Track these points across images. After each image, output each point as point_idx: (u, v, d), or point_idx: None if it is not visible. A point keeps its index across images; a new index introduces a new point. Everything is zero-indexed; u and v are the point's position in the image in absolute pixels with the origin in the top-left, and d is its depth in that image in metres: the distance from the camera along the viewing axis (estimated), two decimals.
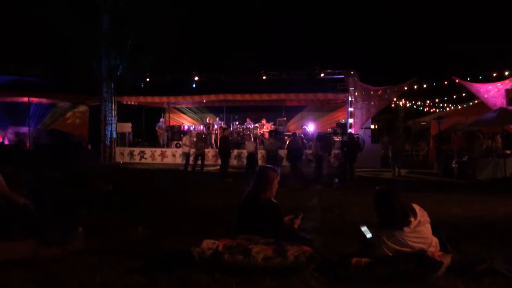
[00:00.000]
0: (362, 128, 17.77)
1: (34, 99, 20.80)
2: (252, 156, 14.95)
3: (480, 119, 14.70)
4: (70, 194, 7.41)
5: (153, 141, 21.49)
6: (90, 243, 4.70)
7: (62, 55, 21.38)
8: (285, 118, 20.96)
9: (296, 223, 4.24)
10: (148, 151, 19.81)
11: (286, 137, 19.87)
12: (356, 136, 16.76)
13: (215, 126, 20.25)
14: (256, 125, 20.56)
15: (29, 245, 4.13)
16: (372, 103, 17.70)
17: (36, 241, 4.20)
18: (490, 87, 15.47)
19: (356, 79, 17.80)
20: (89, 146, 21.70)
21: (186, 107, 24.18)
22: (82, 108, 22.71)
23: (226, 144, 14.68)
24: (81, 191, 8.44)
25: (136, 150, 19.90)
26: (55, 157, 16.90)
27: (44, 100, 21.62)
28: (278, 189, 4.35)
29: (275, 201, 4.14)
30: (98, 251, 4.53)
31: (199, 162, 14.99)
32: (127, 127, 20.55)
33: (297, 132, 18.69)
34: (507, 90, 14.65)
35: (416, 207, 3.64)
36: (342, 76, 18.10)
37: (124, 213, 7.07)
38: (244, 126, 20.50)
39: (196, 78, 19.48)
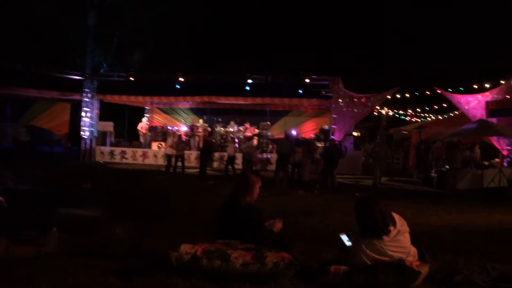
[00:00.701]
0: (345, 135, 17.88)
1: (14, 94, 20.37)
2: (231, 159, 14.93)
3: (460, 130, 14.93)
4: (48, 192, 7.26)
5: (135, 141, 21.24)
6: (65, 244, 4.59)
7: (45, 51, 21.08)
8: (268, 122, 20.96)
9: (276, 227, 4.22)
10: (129, 151, 19.56)
11: (268, 142, 19.89)
12: (338, 142, 16.87)
13: (199, 128, 20.13)
14: (240, 128, 20.51)
15: (1, 244, 4.01)
16: (356, 110, 17.84)
17: (8, 240, 4.08)
18: (470, 99, 15.74)
19: (340, 85, 17.92)
20: (69, 144, 21.34)
21: (170, 108, 24.01)
22: (63, 105, 22.34)
23: (209, 148, 14.63)
24: (60, 189, 8.29)
25: (117, 150, 19.63)
26: (34, 154, 16.60)
27: (24, 96, 21.23)
28: (262, 194, 4.33)
29: (255, 205, 4.11)
30: (74, 252, 4.43)
31: (179, 163, 14.87)
32: (109, 126, 20.28)
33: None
34: (487, 102, 14.92)
35: (396, 216, 3.65)
36: (327, 82, 18.20)
37: (102, 214, 6.96)
38: (228, 129, 20.44)
39: (181, 79, 19.35)
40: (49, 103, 22.12)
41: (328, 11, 40.34)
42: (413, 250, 3.67)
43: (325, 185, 12.38)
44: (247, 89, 19.07)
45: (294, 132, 20.49)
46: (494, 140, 15.64)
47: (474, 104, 15.60)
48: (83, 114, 19.59)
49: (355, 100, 17.83)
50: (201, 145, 19.60)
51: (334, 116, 17.91)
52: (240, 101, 20.20)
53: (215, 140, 17.75)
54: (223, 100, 20.34)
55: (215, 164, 17.78)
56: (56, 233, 4.47)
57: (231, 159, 14.96)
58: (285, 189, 11.71)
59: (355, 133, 21.31)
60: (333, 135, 17.60)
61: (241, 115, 21.84)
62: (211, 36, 30.71)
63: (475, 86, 15.98)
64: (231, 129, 20.29)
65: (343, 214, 7.86)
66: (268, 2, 36.57)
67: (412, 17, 38.53)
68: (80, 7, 19.36)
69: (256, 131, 20.33)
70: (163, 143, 18.50)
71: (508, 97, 14.12)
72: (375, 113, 24.82)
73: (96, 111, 19.82)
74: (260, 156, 17.71)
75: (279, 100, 20.10)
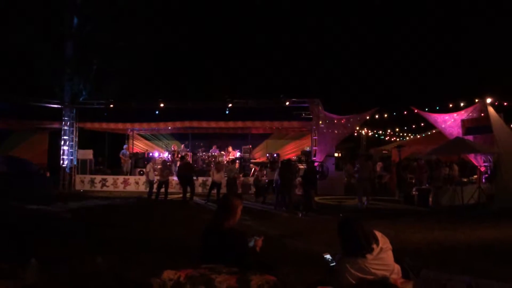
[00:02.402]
0: (326, 156, 18.01)
1: None
2: (217, 185, 14.83)
3: (438, 148, 15.21)
4: (27, 224, 7.09)
5: (116, 168, 20.97)
6: (45, 276, 4.47)
7: (22, 80, 20.88)
8: (250, 146, 21.02)
9: (258, 245, 4.19)
10: (110, 178, 19.28)
11: (251, 165, 19.92)
12: (318, 164, 16.99)
13: (180, 154, 20.02)
14: (222, 152, 20.51)
15: None
16: (336, 132, 18.04)
17: None
18: (447, 118, 16.07)
19: (320, 108, 18.16)
20: (48, 174, 20.92)
21: (151, 134, 23.91)
22: (42, 134, 22.03)
23: (187, 171, 14.57)
24: (39, 220, 8.11)
25: (98, 178, 19.33)
26: (12, 185, 16.21)
27: (2, 126, 20.88)
28: (244, 217, 4.31)
29: (238, 228, 4.09)
30: (54, 284, 4.32)
31: (162, 190, 14.72)
32: (89, 154, 20.02)
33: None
34: (462, 121, 15.25)
35: (378, 234, 3.67)
36: (307, 105, 18.42)
37: (83, 243, 6.81)
38: (210, 153, 20.41)
39: (162, 105, 19.35)
40: (27, 132, 21.82)
41: (307, 35, 41.26)
42: (397, 267, 3.68)
43: (309, 207, 12.40)
44: (227, 113, 19.15)
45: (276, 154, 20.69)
46: (471, 157, 15.97)
47: (450, 122, 15.93)
48: (62, 142, 19.31)
49: (335, 121, 18.06)
50: None
51: (315, 137, 18.08)
52: (222, 125, 20.25)
53: (196, 164, 17.62)
54: (204, 125, 20.35)
55: (199, 189, 17.65)
56: (36, 264, 4.35)
57: (218, 185, 14.82)
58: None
59: (336, 154, 21.50)
60: (315, 156, 17.72)
61: (222, 139, 21.89)
62: (191, 61, 30.98)
63: (451, 105, 16.37)
64: (214, 154, 20.27)
65: (327, 235, 7.87)
66: (246, 27, 37.26)
67: (387, 40, 39.62)
68: (57, 36, 19.31)
69: (238, 154, 20.36)
70: (144, 170, 18.32)
71: (483, 115, 14.47)
72: (355, 134, 25.13)
73: (75, 139, 19.57)
74: (241, 179, 17.69)
75: (260, 123, 20.23)
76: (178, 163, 16.02)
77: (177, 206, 13.68)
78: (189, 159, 19.69)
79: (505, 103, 15.16)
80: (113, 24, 18.92)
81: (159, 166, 15.17)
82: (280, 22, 41.91)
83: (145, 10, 19.42)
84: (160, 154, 21.42)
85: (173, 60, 27.15)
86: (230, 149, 20.70)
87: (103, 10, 18.83)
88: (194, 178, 15.19)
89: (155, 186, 14.91)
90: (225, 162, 18.96)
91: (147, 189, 15.55)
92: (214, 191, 14.93)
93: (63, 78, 19.20)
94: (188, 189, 14.56)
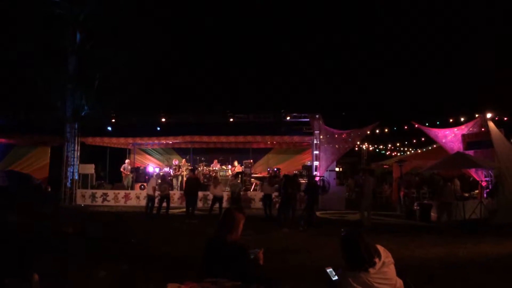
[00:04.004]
0: (327, 171, 18.01)
1: None
2: (219, 199, 14.81)
3: (439, 162, 15.21)
4: (28, 238, 7.09)
5: (117, 183, 20.97)
6: None
7: (25, 95, 21.00)
8: (251, 160, 21.04)
9: (261, 259, 4.19)
10: (111, 193, 19.27)
11: (252, 179, 19.93)
12: (321, 178, 16.99)
13: (182, 168, 20.03)
14: (224, 167, 20.54)
15: None
16: (337, 146, 18.07)
17: None
18: (447, 132, 16.11)
19: (321, 122, 18.23)
20: (49, 188, 20.92)
21: (152, 148, 23.95)
22: (43, 148, 22.10)
23: (193, 186, 14.62)
24: (41, 235, 8.10)
25: (99, 192, 19.32)
26: (14, 199, 16.22)
27: (3, 141, 20.95)
28: (246, 232, 4.32)
29: (240, 242, 4.10)
30: None
31: (164, 204, 14.68)
32: (90, 168, 20.04)
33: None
34: (463, 135, 15.29)
35: (380, 248, 3.67)
36: (308, 120, 18.50)
37: (85, 258, 6.80)
38: (211, 168, 20.42)
39: (163, 120, 19.43)
40: (29, 147, 21.90)
41: (307, 50, 41.62)
42: (399, 281, 3.68)
43: (311, 221, 12.38)
44: (229, 128, 19.24)
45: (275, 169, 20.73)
46: (472, 172, 15.97)
47: (451, 137, 15.97)
48: (63, 157, 19.34)
49: (336, 136, 18.10)
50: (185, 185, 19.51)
51: (316, 152, 18.11)
52: (223, 139, 20.31)
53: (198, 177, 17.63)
54: (206, 139, 20.41)
55: (200, 204, 17.60)
56: (38, 279, 4.34)
57: (219, 199, 14.78)
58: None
59: (337, 169, 21.50)
60: (316, 171, 17.72)
61: (224, 154, 21.93)
62: (192, 75, 31.23)
63: (451, 120, 16.44)
64: (215, 168, 20.29)
65: (329, 249, 7.85)
66: (246, 43, 37.62)
67: (388, 55, 39.92)
68: (59, 51, 19.47)
69: (241, 169, 20.40)
70: (145, 184, 18.30)
71: (483, 130, 14.52)
72: (356, 148, 25.17)
73: (77, 154, 19.61)
74: (243, 193, 17.69)
75: (261, 138, 20.28)
76: (186, 177, 15.98)
77: (178, 220, 13.65)
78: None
79: (506, 118, 15.23)
80: (115, 38, 19.12)
81: (159, 181, 15.13)
82: (281, 37, 42.36)
83: (146, 23, 19.59)
84: (162, 168, 21.41)
85: (174, 75, 27.36)
86: (235, 163, 20.76)
87: (105, 24, 19.02)
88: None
89: (156, 200, 14.84)
90: (229, 176, 18.99)
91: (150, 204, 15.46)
92: (216, 205, 14.89)
93: (65, 93, 19.31)
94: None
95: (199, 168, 20.27)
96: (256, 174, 21.01)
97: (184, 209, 14.83)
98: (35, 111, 20.13)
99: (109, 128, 19.26)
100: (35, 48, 18.59)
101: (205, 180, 19.79)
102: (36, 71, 18.82)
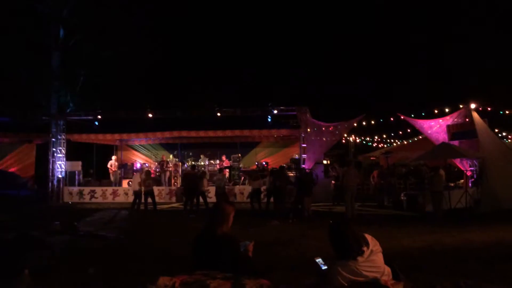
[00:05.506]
0: (315, 163, 18.12)
1: None
2: (203, 194, 14.85)
3: (425, 153, 15.41)
4: (18, 236, 7.04)
5: (105, 180, 20.83)
6: (38, 286, 4.46)
7: (8, 92, 20.70)
8: (239, 155, 21.08)
9: (250, 250, 4.24)
10: (98, 190, 19.14)
11: (241, 174, 19.97)
12: (309, 171, 17.08)
13: (170, 164, 19.98)
14: (212, 162, 20.54)
15: None
16: (324, 139, 18.17)
17: None
18: (432, 123, 16.31)
19: (308, 115, 18.30)
20: (36, 186, 20.70)
21: (139, 144, 23.81)
22: (29, 147, 21.82)
23: (192, 182, 14.63)
24: (30, 233, 8.03)
25: (86, 190, 19.17)
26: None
27: None
28: (235, 225, 4.36)
29: (231, 234, 4.14)
30: None
31: (149, 200, 14.62)
32: (77, 165, 19.84)
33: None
34: (448, 126, 15.49)
35: (368, 236, 3.75)
36: (295, 113, 18.56)
37: (74, 255, 6.78)
38: (199, 163, 20.41)
39: (150, 115, 19.35)
40: (13, 145, 21.59)
41: (294, 43, 41.66)
42: (387, 269, 3.76)
43: (299, 214, 12.47)
44: (216, 122, 19.21)
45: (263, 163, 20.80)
46: (457, 162, 16.21)
47: (436, 128, 16.16)
48: (49, 154, 19.13)
49: (323, 129, 18.20)
50: (173, 180, 19.47)
51: (304, 145, 18.20)
52: (210, 134, 20.29)
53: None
54: (193, 134, 20.36)
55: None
56: (28, 277, 4.34)
57: (202, 194, 14.82)
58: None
59: (325, 161, 21.63)
60: (303, 164, 17.83)
61: (212, 148, 21.92)
62: (178, 70, 31.05)
63: (436, 111, 16.62)
64: (202, 163, 20.30)
65: (318, 241, 7.94)
66: (233, 35, 37.51)
67: (372, 47, 40.15)
68: (43, 48, 19.21)
69: (229, 163, 20.45)
70: (132, 180, 18.19)
71: (468, 120, 14.72)
72: (343, 141, 25.33)
73: (63, 151, 19.41)
74: (228, 187, 17.69)
75: (249, 132, 20.30)
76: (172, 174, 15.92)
77: (169, 216, 13.64)
78: (179, 168, 19.69)
79: (489, 108, 15.46)
80: (99, 35, 18.94)
81: (143, 177, 14.97)
82: (266, 30, 42.31)
83: (130, 19, 19.43)
84: (149, 164, 21.31)
85: (159, 70, 27.15)
86: (224, 157, 20.79)
87: (89, 21, 18.83)
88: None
89: (143, 197, 14.75)
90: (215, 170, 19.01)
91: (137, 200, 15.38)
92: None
93: (50, 90, 19.08)
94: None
95: (186, 164, 20.24)
96: (244, 168, 21.05)
97: (173, 205, 14.82)
98: (20, 108, 19.87)
99: (96, 123, 19.04)
100: (17, 44, 18.36)
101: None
102: (20, 67, 18.58)
